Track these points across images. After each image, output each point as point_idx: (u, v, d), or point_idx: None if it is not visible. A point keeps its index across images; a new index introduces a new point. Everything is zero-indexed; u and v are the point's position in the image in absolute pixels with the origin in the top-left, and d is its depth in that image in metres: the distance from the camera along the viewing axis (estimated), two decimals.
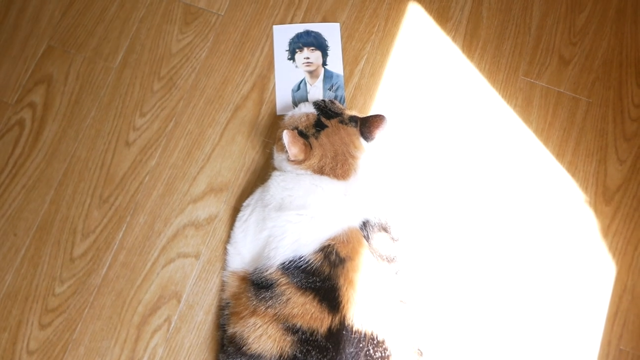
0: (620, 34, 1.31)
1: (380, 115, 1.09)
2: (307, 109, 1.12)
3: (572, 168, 1.23)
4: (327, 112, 1.10)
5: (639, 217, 1.20)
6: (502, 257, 1.18)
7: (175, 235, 1.17)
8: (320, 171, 1.04)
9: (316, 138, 1.06)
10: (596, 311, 1.15)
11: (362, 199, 1.04)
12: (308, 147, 1.04)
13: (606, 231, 1.19)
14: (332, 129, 1.07)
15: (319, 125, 1.07)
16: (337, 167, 1.04)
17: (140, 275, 1.14)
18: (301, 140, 1.04)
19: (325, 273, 0.96)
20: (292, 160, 1.05)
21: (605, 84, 1.28)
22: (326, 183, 1.03)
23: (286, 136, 1.02)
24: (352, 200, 1.03)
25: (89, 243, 1.16)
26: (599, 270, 1.17)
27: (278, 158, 1.09)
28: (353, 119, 1.10)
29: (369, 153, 1.08)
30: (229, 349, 1.00)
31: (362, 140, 1.08)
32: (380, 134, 1.09)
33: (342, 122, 1.09)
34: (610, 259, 1.18)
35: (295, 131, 1.05)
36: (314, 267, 0.96)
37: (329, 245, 0.97)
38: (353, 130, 1.08)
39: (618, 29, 1.31)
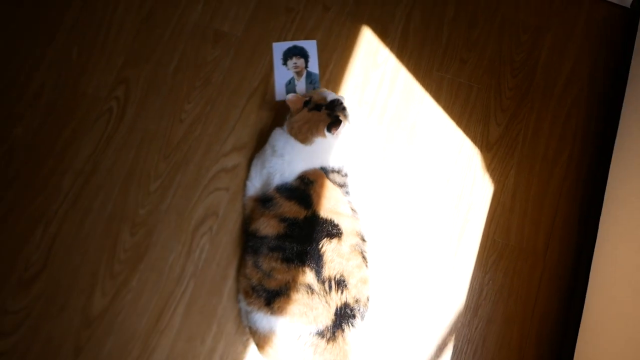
0: (500, 42, 1.94)
1: (339, 121, 1.53)
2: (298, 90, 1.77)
3: (467, 130, 1.86)
4: (332, 108, 1.58)
5: (509, 159, 1.84)
6: (423, 180, 1.81)
7: (213, 177, 1.80)
8: (291, 133, 1.59)
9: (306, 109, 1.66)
10: (479, 216, 1.79)
11: (319, 156, 1.56)
12: (301, 106, 1.59)
13: (488, 167, 1.84)
14: (314, 112, 1.58)
15: (305, 104, 1.69)
16: (300, 134, 1.56)
17: (191, 202, 1.77)
18: (302, 99, 1.60)
19: (302, 189, 1.54)
20: (289, 120, 1.63)
21: (490, 75, 1.92)
22: (293, 142, 1.58)
23: (290, 96, 1.62)
24: (312, 155, 1.56)
25: (159, 183, 1.80)
26: (483, 192, 1.81)
27: (287, 120, 1.62)
28: (337, 118, 1.54)
29: (325, 136, 1.54)
30: (249, 237, 1.62)
31: (325, 129, 1.54)
32: (335, 132, 1.53)
33: (329, 115, 1.56)
34: (490, 185, 1.83)
35: (299, 95, 1.61)
36: (295, 187, 1.54)
37: (303, 175, 1.55)
38: (326, 120, 1.55)
39: (499, 39, 1.95)
